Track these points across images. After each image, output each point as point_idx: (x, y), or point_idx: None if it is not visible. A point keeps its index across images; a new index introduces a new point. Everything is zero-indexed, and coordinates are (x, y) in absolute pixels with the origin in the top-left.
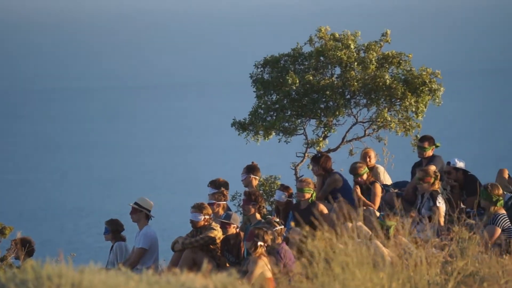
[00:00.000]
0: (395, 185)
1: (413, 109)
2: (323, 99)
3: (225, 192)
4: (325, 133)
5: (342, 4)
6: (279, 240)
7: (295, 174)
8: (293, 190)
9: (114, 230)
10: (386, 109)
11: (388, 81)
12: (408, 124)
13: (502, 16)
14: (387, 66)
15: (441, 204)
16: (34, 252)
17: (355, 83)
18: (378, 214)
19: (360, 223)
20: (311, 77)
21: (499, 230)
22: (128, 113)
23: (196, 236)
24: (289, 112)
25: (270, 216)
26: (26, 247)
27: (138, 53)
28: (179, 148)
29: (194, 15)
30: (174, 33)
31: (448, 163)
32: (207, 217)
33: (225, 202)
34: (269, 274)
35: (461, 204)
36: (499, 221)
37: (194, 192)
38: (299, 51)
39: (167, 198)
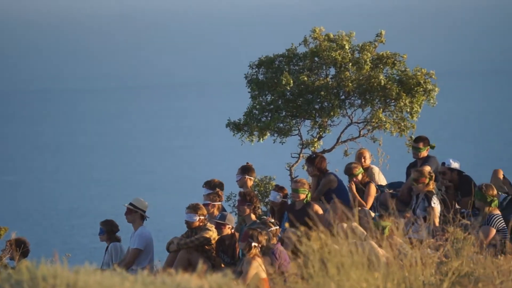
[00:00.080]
0: (390, 185)
1: (408, 110)
2: (318, 100)
3: (220, 192)
4: (320, 133)
5: (342, 4)
6: (274, 240)
7: (290, 174)
8: (288, 190)
9: (109, 230)
10: (381, 109)
11: (382, 81)
12: (403, 124)
13: (502, 16)
14: (381, 66)
15: (436, 204)
16: (29, 253)
17: (350, 84)
18: (373, 214)
19: (355, 224)
20: (305, 78)
21: (494, 231)
22: (128, 113)
23: (191, 237)
24: (284, 113)
25: (265, 217)
26: (21, 248)
27: (138, 53)
28: (175, 149)
29: (194, 15)
30: (174, 33)
31: (443, 163)
32: (202, 217)
33: (220, 203)
34: (263, 275)
35: (456, 204)
36: (494, 222)
37: (189, 192)
38: (293, 51)
39: (162, 198)
